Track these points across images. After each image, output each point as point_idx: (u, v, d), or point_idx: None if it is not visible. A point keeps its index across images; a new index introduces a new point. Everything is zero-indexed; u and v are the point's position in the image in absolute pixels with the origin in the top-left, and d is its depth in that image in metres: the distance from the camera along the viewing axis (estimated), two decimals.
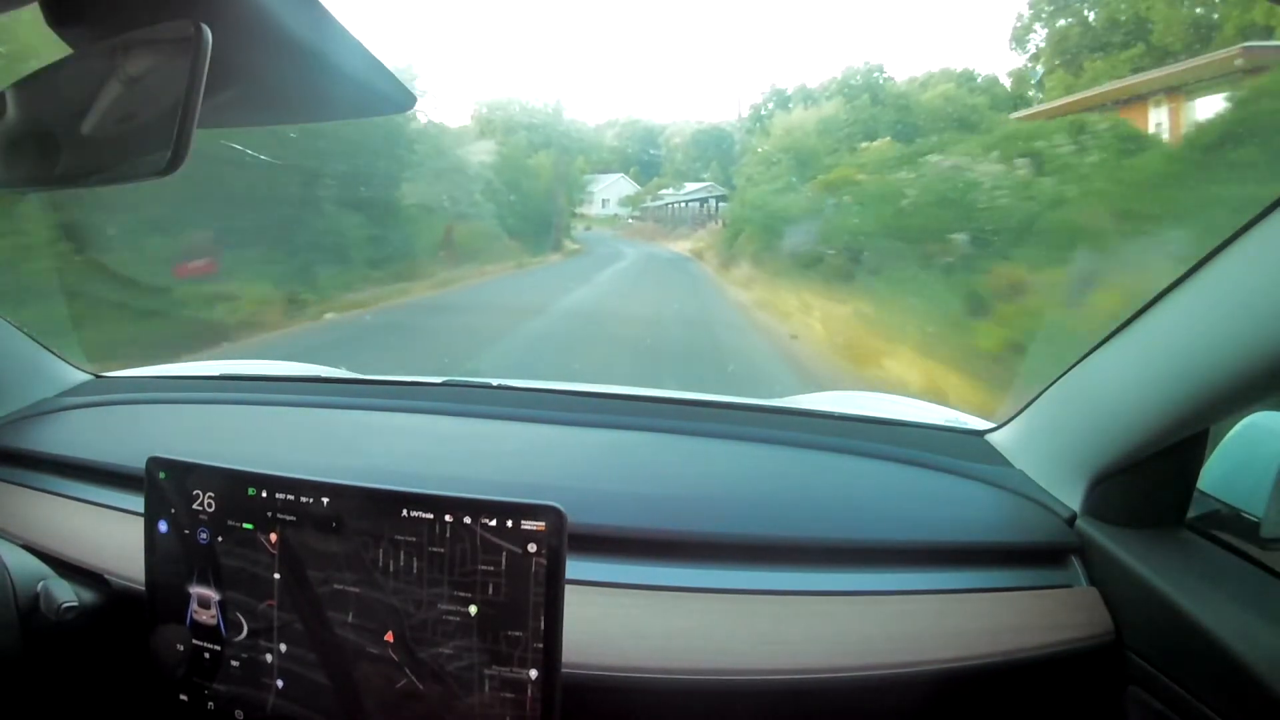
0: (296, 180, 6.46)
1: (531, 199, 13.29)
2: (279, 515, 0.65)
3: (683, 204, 19.50)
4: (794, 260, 7.34)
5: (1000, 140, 6.47)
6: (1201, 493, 0.76)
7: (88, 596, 0.78)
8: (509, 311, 6.61)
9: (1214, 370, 0.63)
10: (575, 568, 0.67)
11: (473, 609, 0.62)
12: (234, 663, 0.67)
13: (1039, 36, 9.76)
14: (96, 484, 0.91)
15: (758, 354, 5.36)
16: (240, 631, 0.67)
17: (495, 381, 1.13)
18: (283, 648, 0.66)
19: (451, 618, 0.62)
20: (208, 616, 0.68)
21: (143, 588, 0.70)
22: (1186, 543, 0.76)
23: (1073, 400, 0.83)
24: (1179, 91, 5.84)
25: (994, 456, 0.93)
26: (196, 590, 0.68)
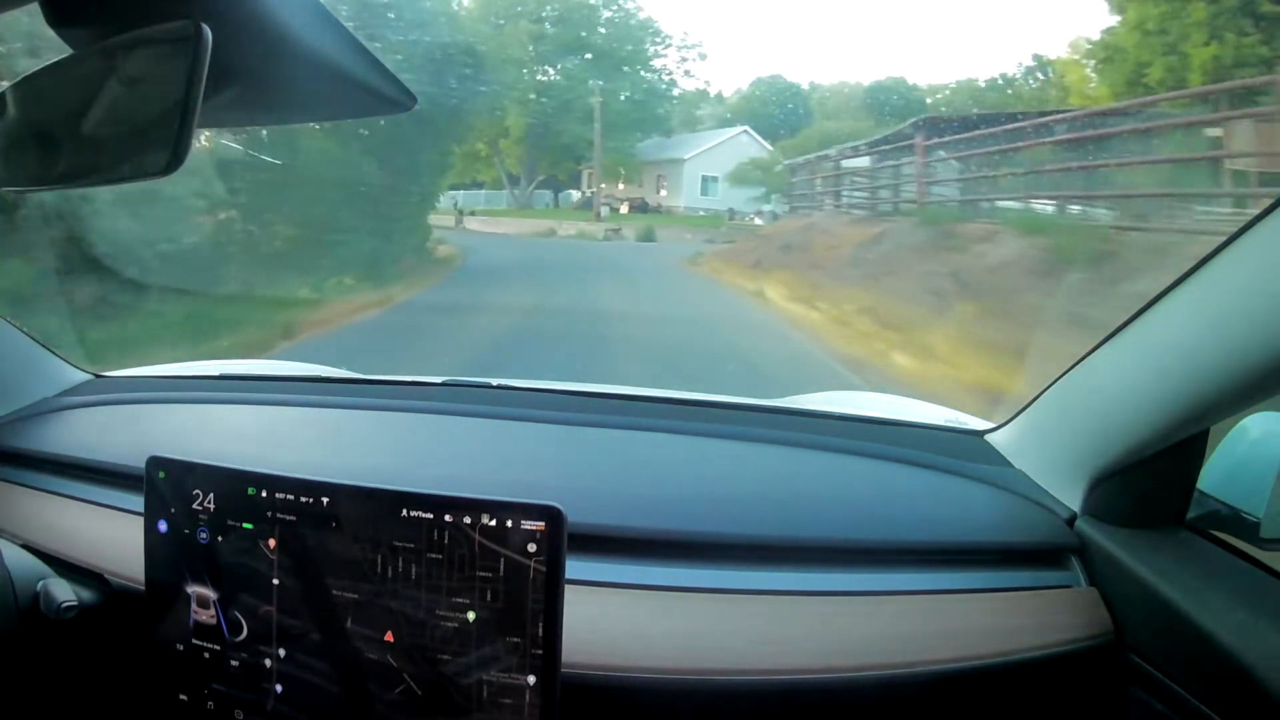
0: None
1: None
2: (279, 515, 0.65)
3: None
4: None
5: None
6: (1201, 493, 0.76)
7: (88, 596, 0.78)
8: None
9: (1214, 370, 0.63)
10: (575, 568, 0.67)
11: (471, 615, 0.62)
12: (233, 663, 0.67)
13: None
14: (96, 484, 0.91)
15: None
16: (240, 632, 0.67)
17: (495, 381, 1.13)
18: (281, 652, 0.66)
19: (450, 624, 0.62)
20: (207, 616, 0.68)
21: (143, 587, 0.70)
22: (1186, 543, 0.76)
23: (1073, 400, 0.83)
24: None
25: (994, 457, 0.93)
26: (196, 590, 0.68)
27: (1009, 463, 0.92)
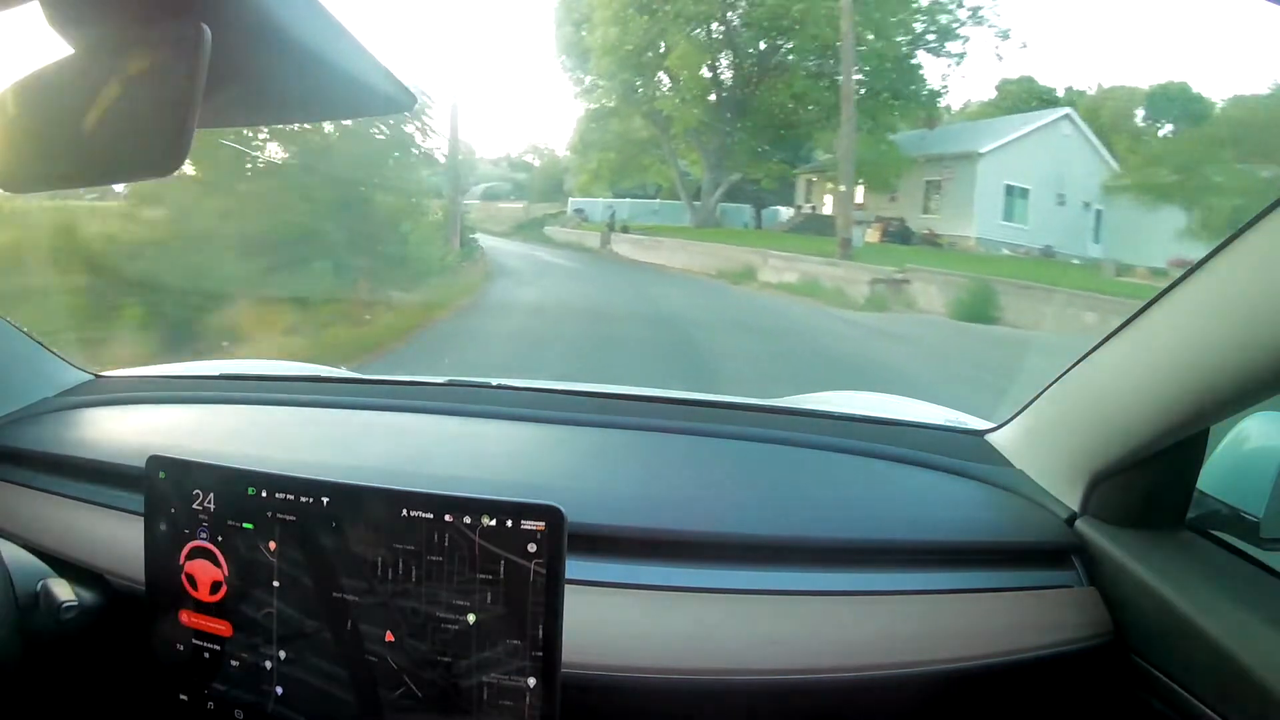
0: None
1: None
2: (279, 515, 0.65)
3: None
4: None
5: None
6: (1201, 493, 0.76)
7: (88, 596, 0.78)
8: None
9: (1214, 370, 0.63)
10: (575, 568, 0.67)
11: (471, 617, 0.62)
12: (234, 663, 0.67)
13: None
14: (96, 484, 0.91)
15: None
16: (240, 632, 0.67)
17: (495, 381, 1.13)
18: (281, 653, 0.66)
19: (450, 626, 0.62)
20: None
21: (143, 587, 0.70)
22: (1186, 543, 0.76)
23: (1072, 400, 0.83)
24: None
25: (994, 456, 0.93)
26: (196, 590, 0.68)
27: (1009, 463, 0.92)
